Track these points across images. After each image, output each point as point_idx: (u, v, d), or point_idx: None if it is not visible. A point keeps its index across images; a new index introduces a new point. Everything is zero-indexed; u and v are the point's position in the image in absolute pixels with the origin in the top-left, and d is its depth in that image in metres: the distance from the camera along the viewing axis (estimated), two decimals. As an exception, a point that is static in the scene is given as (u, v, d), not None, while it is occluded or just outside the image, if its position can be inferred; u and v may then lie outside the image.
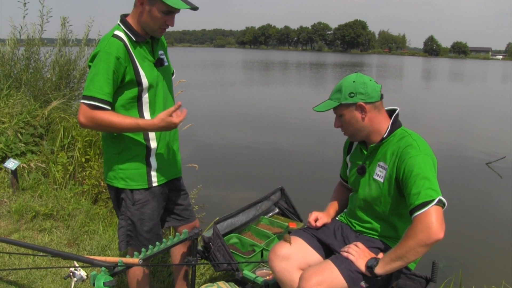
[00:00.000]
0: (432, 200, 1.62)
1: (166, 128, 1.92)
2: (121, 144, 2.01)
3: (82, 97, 1.89)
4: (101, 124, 1.89)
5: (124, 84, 1.92)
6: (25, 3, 5.95)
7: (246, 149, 8.63)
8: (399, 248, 1.67)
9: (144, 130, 1.96)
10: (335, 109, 1.91)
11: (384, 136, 1.89)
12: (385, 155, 1.87)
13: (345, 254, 1.83)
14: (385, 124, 1.90)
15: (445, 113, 14.47)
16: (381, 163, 1.88)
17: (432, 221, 1.59)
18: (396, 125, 1.91)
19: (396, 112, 1.95)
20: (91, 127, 1.93)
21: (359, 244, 1.86)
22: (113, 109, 1.95)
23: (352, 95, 1.85)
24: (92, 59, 1.91)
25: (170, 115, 1.89)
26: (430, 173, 1.70)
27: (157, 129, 1.93)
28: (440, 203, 1.63)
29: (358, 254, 1.80)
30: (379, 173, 1.89)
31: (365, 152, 1.98)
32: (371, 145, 1.94)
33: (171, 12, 1.91)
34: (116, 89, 1.93)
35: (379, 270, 1.71)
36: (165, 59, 2.13)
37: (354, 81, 1.87)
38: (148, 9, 1.88)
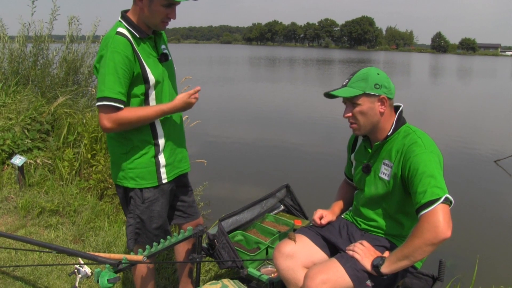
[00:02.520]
0: (439, 199, 1.59)
1: (185, 108, 1.98)
2: (129, 144, 2.00)
3: (96, 100, 1.86)
4: (129, 122, 1.89)
5: (132, 82, 1.91)
6: (33, 1, 5.99)
7: (252, 146, 8.62)
8: (405, 247, 1.65)
9: (167, 114, 1.99)
10: (354, 97, 1.83)
11: (389, 133, 1.86)
12: (390, 153, 1.85)
13: (350, 252, 1.81)
14: (390, 121, 1.88)
15: (453, 110, 14.35)
16: (386, 161, 1.86)
17: (439, 220, 1.56)
18: (400, 122, 1.89)
19: (400, 109, 1.91)
20: (117, 129, 1.90)
21: (365, 242, 1.84)
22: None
23: (377, 86, 1.81)
24: (99, 60, 1.88)
25: (189, 97, 1.96)
26: (436, 171, 1.67)
27: (177, 110, 1.98)
28: (446, 201, 1.60)
29: (364, 253, 1.78)
30: (385, 171, 1.86)
31: (370, 150, 1.96)
32: (376, 143, 1.91)
33: (171, 4, 1.89)
34: None
35: (385, 269, 1.69)
36: (169, 54, 2.11)
37: (378, 74, 1.83)
38: (148, 4, 1.87)
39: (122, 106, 1.85)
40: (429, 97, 18.08)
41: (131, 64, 1.85)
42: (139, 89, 1.94)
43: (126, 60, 1.84)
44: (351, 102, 1.85)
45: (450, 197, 1.62)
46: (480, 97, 19.40)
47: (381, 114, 1.84)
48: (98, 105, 1.85)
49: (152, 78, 1.94)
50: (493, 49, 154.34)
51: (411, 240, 1.63)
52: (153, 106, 1.95)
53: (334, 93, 1.87)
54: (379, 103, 1.83)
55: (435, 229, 1.56)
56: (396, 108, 1.93)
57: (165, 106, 1.95)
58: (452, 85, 25.45)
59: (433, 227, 1.57)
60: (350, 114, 1.87)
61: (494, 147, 8.73)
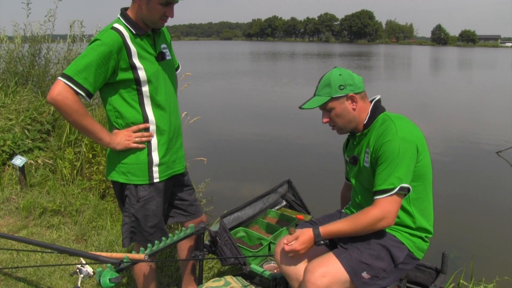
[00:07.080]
0: (393, 188, 1.68)
1: (118, 148, 1.97)
2: None
3: (61, 75, 1.83)
4: (71, 117, 1.86)
5: (119, 78, 1.91)
6: (28, 3, 6.03)
7: (253, 142, 8.61)
8: (346, 227, 1.75)
9: (100, 143, 2.01)
10: (324, 104, 1.90)
11: (365, 123, 1.91)
12: (369, 141, 1.89)
13: (291, 255, 1.83)
14: (366, 112, 1.93)
15: (454, 102, 14.30)
16: (367, 150, 1.90)
17: (389, 211, 1.69)
18: (377, 111, 1.93)
19: (377, 98, 1.96)
20: (60, 108, 1.84)
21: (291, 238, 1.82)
22: (106, 101, 1.97)
23: (342, 87, 1.87)
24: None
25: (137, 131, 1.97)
26: (401, 158, 1.72)
27: (111, 147, 1.98)
28: (402, 190, 1.69)
29: (302, 247, 1.79)
30: (366, 159, 1.90)
31: (355, 143, 2.00)
32: (358, 134, 1.96)
33: (169, 3, 1.89)
34: (113, 84, 1.92)
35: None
36: (168, 53, 2.10)
37: (340, 74, 1.89)
38: (146, 2, 1.87)
39: (82, 93, 1.83)
40: (430, 89, 18.01)
41: (111, 59, 1.85)
42: (129, 86, 1.93)
43: (109, 53, 1.83)
44: (324, 108, 1.93)
45: (406, 186, 1.70)
46: (481, 89, 19.33)
47: (354, 110, 1.90)
48: (61, 80, 1.82)
49: (143, 75, 1.93)
50: (493, 41, 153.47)
51: (356, 227, 1.73)
52: (98, 127, 1.94)
53: (305, 106, 1.94)
54: (349, 101, 1.89)
55: (383, 218, 1.69)
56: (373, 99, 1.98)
57: (105, 136, 1.95)
58: (453, 77, 25.35)
59: (381, 216, 1.69)
60: (327, 120, 1.95)
61: (496, 138, 8.70)
